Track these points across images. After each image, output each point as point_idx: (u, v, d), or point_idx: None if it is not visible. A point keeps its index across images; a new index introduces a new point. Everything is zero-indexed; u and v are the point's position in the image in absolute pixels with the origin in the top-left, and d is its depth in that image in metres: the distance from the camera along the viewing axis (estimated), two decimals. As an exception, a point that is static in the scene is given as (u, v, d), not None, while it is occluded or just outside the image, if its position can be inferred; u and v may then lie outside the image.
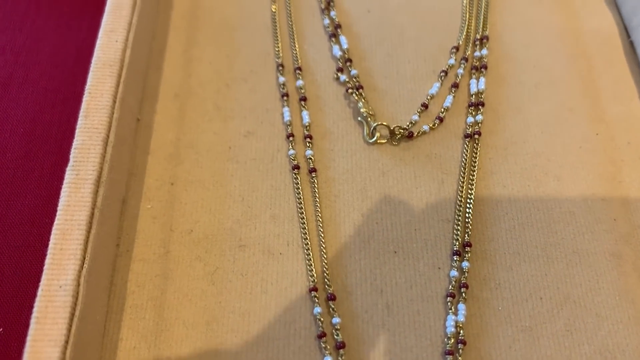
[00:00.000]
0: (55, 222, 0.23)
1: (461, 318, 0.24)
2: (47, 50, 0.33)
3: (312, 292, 0.24)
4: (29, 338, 0.21)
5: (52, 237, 0.23)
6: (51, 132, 0.30)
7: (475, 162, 0.28)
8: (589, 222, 0.27)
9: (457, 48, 0.31)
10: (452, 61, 0.31)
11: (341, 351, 0.23)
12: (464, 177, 0.27)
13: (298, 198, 0.27)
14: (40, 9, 0.34)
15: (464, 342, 0.23)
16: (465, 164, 0.28)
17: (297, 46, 0.32)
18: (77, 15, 0.34)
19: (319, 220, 0.26)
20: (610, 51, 0.33)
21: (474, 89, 0.30)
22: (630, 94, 0.32)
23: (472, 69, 0.31)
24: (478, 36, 0.32)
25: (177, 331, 0.24)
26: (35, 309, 0.22)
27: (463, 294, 0.24)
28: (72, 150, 0.25)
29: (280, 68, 0.31)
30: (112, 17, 0.29)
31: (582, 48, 0.33)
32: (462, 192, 0.27)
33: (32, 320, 0.21)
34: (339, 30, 0.32)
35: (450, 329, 0.24)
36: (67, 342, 0.21)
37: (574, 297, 0.25)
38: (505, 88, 0.31)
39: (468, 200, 0.27)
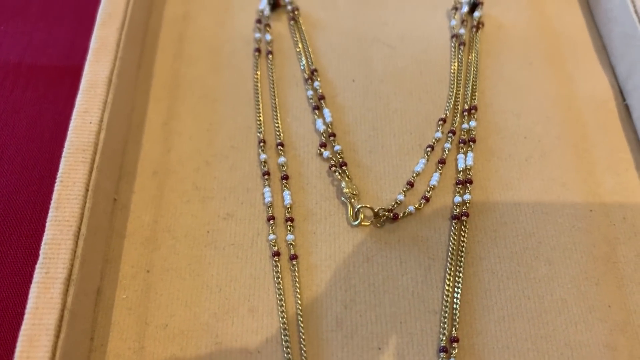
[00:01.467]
0: (22, 326, 0.22)
1: None
2: (24, 123, 0.32)
3: (291, 395, 0.23)
4: None
5: (19, 344, 0.22)
6: (26, 213, 0.29)
7: (463, 246, 0.27)
8: (582, 311, 0.26)
9: (444, 120, 0.30)
10: (439, 134, 0.30)
11: None
12: (451, 263, 0.26)
13: (278, 288, 0.26)
14: (18, 80, 0.33)
15: None
16: (453, 248, 0.27)
17: (279, 119, 0.31)
18: (54, 86, 0.33)
19: (299, 313, 0.25)
20: (605, 116, 0.32)
21: (461, 165, 0.29)
22: (626, 163, 0.31)
23: (460, 143, 0.30)
24: (466, 106, 0.31)
25: None
26: None
27: (449, 397, 0.23)
28: (42, 246, 0.24)
29: (262, 144, 0.30)
30: (86, 96, 0.28)
31: (576, 114, 0.32)
32: (449, 279, 0.26)
33: None
34: (322, 102, 0.31)
35: None
36: None
37: (568, 396, 0.24)
38: (494, 162, 0.30)
39: (456, 290, 0.26)
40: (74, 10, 0.36)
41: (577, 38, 0.35)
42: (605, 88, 0.33)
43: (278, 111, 0.31)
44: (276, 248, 0.27)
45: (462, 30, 0.34)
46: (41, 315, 0.23)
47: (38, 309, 0.23)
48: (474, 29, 0.34)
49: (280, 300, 0.26)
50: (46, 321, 0.23)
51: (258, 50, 0.33)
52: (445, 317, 0.25)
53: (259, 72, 0.32)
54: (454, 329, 0.25)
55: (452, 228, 0.27)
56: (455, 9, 0.35)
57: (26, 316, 0.23)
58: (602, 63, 0.34)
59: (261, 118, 0.31)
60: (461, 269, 0.26)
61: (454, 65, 0.32)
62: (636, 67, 0.32)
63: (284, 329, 0.25)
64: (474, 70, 0.32)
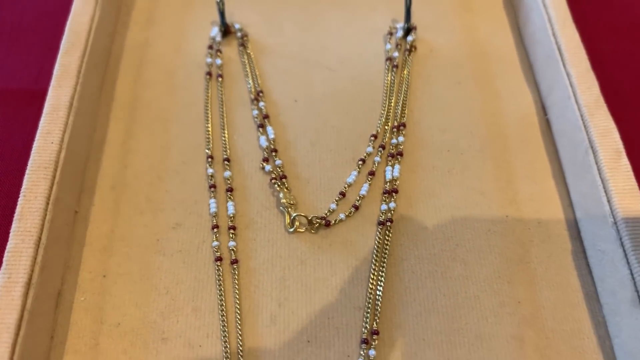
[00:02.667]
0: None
1: (365, 406, 0.26)
2: (-6, 143, 0.35)
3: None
4: None
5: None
6: (6, 212, 0.32)
7: (387, 248, 0.30)
8: (493, 306, 0.29)
9: (375, 136, 0.34)
10: (370, 149, 0.33)
11: None
12: (375, 264, 0.29)
13: (219, 290, 0.29)
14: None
15: None
16: (377, 251, 0.30)
17: (227, 137, 0.34)
18: (22, 109, 0.36)
19: (237, 312, 0.28)
20: (527, 130, 0.36)
21: (389, 177, 0.32)
22: (544, 173, 0.34)
23: (388, 156, 0.33)
24: (396, 123, 0.34)
25: None
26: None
27: (368, 384, 0.26)
28: (5, 254, 0.27)
29: (210, 159, 0.33)
30: (49, 119, 0.31)
31: (499, 128, 0.35)
32: (373, 279, 0.29)
33: None
34: (266, 120, 0.34)
35: (354, 419, 0.25)
36: None
37: (474, 380, 0.27)
38: (419, 174, 0.33)
39: (378, 288, 0.29)
40: (42, 39, 0.39)
41: (505, 58, 0.39)
42: (528, 104, 0.37)
43: (226, 129, 0.34)
44: (219, 254, 0.30)
45: (395, 54, 0.37)
46: (3, 315, 0.26)
47: (0, 309, 0.26)
48: (407, 52, 0.37)
49: (221, 300, 0.28)
50: (7, 321, 0.25)
51: (209, 73, 0.36)
52: (367, 313, 0.28)
53: (209, 94, 0.36)
54: (375, 322, 0.28)
55: (378, 233, 0.31)
56: (390, 33, 0.38)
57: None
58: (528, 81, 0.38)
59: (210, 136, 0.34)
60: (384, 269, 0.29)
61: (387, 86, 0.36)
62: (555, 85, 0.35)
63: (223, 326, 0.28)
64: (404, 90, 0.36)
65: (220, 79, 0.36)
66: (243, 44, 0.38)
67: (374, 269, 0.29)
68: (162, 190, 0.32)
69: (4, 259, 0.27)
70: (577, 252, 0.31)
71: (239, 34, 0.38)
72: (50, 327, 0.28)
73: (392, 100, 0.35)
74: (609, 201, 0.30)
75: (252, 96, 0.35)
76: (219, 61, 0.37)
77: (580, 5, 0.41)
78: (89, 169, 0.33)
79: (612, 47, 0.41)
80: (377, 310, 0.28)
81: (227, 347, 0.27)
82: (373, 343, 0.27)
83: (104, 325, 0.28)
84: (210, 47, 0.37)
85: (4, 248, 0.27)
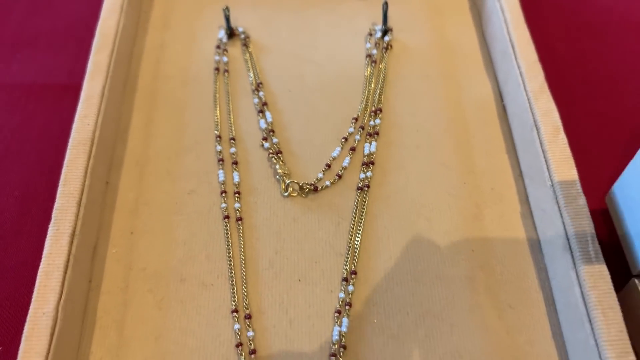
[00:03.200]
0: (41, 265, 0.32)
1: (344, 329, 0.32)
2: (37, 129, 0.42)
3: (234, 313, 0.32)
4: (19, 353, 0.29)
5: (38, 277, 0.31)
6: (40, 194, 0.39)
7: (364, 209, 0.36)
8: (451, 253, 0.35)
9: (356, 119, 0.40)
10: (351, 129, 0.40)
11: (253, 356, 0.31)
12: (354, 221, 0.36)
13: (227, 241, 0.35)
14: (30, 97, 0.43)
15: (344, 347, 0.31)
16: (356, 211, 0.36)
17: (232, 120, 0.40)
18: (60, 100, 0.43)
19: (242, 258, 0.35)
20: (486, 114, 0.42)
21: (367, 151, 0.39)
22: (499, 149, 0.40)
23: (367, 135, 0.40)
24: (374, 108, 0.41)
25: (133, 345, 0.32)
26: (25, 331, 0.30)
27: (347, 311, 0.33)
28: (54, 211, 0.33)
29: (218, 138, 0.39)
30: (85, 105, 0.38)
31: (462, 113, 0.42)
32: (352, 232, 0.35)
33: (22, 339, 0.29)
34: (265, 107, 0.41)
35: (335, 337, 0.32)
36: (47, 354, 0.29)
37: (434, 311, 0.33)
38: (392, 149, 0.39)
39: (356, 239, 0.35)
40: (74, 42, 0.46)
41: (469, 55, 0.45)
42: (488, 92, 0.43)
43: (231, 114, 0.41)
44: (226, 213, 0.36)
45: (374, 51, 0.44)
46: (54, 258, 0.32)
47: (51, 254, 0.32)
48: (384, 50, 0.44)
49: (229, 249, 0.35)
50: (57, 262, 0.32)
51: (217, 69, 0.43)
52: (347, 258, 0.34)
53: (217, 86, 0.42)
54: (353, 265, 0.34)
55: (357, 196, 0.37)
56: (370, 34, 0.45)
57: (43, 259, 0.32)
58: (488, 73, 0.44)
59: (218, 119, 0.40)
60: (361, 224, 0.36)
61: (366, 78, 0.42)
62: (509, 76, 0.42)
63: (231, 269, 0.34)
64: (381, 81, 0.42)
65: (226, 74, 0.43)
66: (245, 44, 0.44)
67: (353, 225, 0.36)
68: (179, 164, 0.38)
69: (53, 215, 0.33)
70: (525, 213, 0.37)
71: (242, 36, 0.45)
72: (88, 273, 0.34)
73: (371, 90, 0.42)
74: (548, 169, 0.36)
75: (253, 87, 0.42)
76: (225, 59, 0.44)
77: (535, 8, 0.48)
78: (117, 147, 0.39)
79: (562, 45, 0.47)
80: (355, 256, 0.35)
81: (233, 285, 0.34)
82: (352, 281, 0.34)
83: (132, 271, 0.35)
84: (218, 46, 0.44)
85: (52, 208, 0.34)
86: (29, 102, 0.43)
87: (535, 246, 0.36)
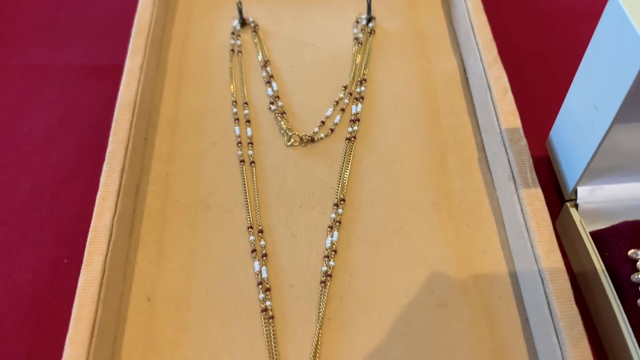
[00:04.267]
0: (98, 192, 0.41)
1: (335, 239, 0.41)
2: (86, 102, 0.51)
3: (249, 229, 0.42)
4: (85, 252, 0.38)
5: (97, 200, 0.40)
6: (91, 152, 0.48)
7: (351, 155, 0.46)
8: (419, 186, 0.44)
9: (345, 87, 0.50)
10: (341, 95, 0.49)
11: (264, 259, 0.40)
12: (343, 164, 0.45)
13: (243, 179, 0.44)
14: (80, 75, 0.53)
15: (335, 251, 0.41)
16: (344, 156, 0.46)
17: (245, 89, 0.50)
18: (104, 78, 0.52)
19: (255, 191, 0.44)
20: (452, 85, 0.51)
21: (354, 111, 0.48)
22: (461, 110, 0.50)
23: (354, 99, 0.49)
24: (359, 79, 0.50)
25: (170, 256, 0.41)
26: (88, 238, 0.39)
27: (337, 227, 0.42)
28: (107, 154, 0.43)
29: (234, 103, 0.49)
30: (128, 76, 0.47)
31: (431, 83, 0.51)
32: (341, 171, 0.45)
33: (87, 243, 0.38)
34: (271, 79, 0.50)
35: (328, 245, 0.41)
36: (106, 255, 0.38)
37: (405, 227, 0.42)
38: (374, 110, 0.49)
39: (345, 176, 0.44)
40: (115, 30, 0.56)
41: (439, 38, 0.55)
42: (453, 66, 0.53)
43: (244, 85, 0.50)
44: (242, 159, 0.46)
45: (360, 35, 0.53)
46: (108, 187, 0.41)
47: (106, 184, 0.41)
48: (369, 34, 0.54)
49: (244, 184, 0.44)
50: (112, 190, 0.41)
51: (232, 50, 0.53)
52: (337, 189, 0.44)
53: (232, 64, 0.52)
54: (342, 194, 0.43)
55: (345, 145, 0.46)
56: (357, 22, 0.55)
57: (100, 188, 0.41)
58: (454, 51, 0.54)
59: (234, 89, 0.50)
60: (348, 166, 0.45)
61: (354, 56, 0.52)
62: (470, 52, 0.51)
63: (246, 198, 0.43)
64: (366, 59, 0.52)
65: (239, 54, 0.53)
66: (255, 31, 0.54)
67: (342, 166, 0.45)
68: (203, 123, 0.48)
69: (106, 156, 0.42)
70: (481, 158, 0.47)
71: (252, 25, 0.55)
72: (133, 203, 0.43)
73: (357, 64, 0.51)
74: (497, 120, 0.45)
75: (262, 64, 0.52)
76: (239, 42, 0.53)
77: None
78: (153, 112, 0.49)
79: (514, 27, 0.57)
80: (344, 188, 0.44)
81: (248, 210, 0.43)
82: (341, 205, 0.43)
83: (168, 202, 0.44)
84: (233, 33, 0.54)
85: (101, 162, 0.43)
86: (79, 80, 0.53)
87: (489, 181, 0.45)
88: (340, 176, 0.45)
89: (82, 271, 0.37)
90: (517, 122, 0.45)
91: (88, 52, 0.55)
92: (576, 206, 0.42)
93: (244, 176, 0.45)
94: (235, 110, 0.49)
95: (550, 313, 0.36)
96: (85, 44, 0.55)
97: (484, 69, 0.48)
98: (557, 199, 0.45)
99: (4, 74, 0.53)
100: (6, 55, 0.54)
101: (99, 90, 0.52)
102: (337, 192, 0.44)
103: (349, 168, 0.45)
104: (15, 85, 0.52)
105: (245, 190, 0.44)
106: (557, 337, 0.35)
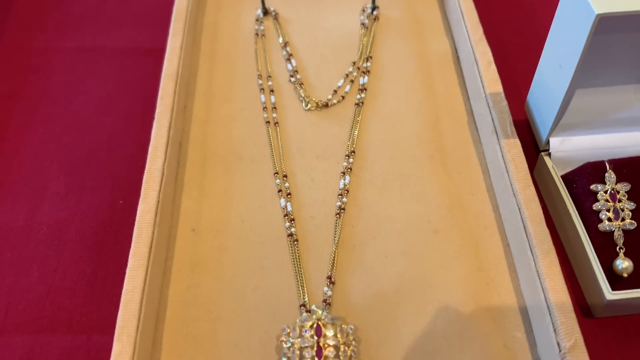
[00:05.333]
0: (150, 143, 0.49)
1: (347, 181, 0.49)
2: (131, 79, 0.60)
3: (275, 174, 0.50)
4: (142, 191, 0.46)
5: (150, 149, 0.48)
6: (137, 118, 0.56)
7: (359, 117, 0.54)
8: (417, 142, 0.53)
9: (354, 62, 0.58)
10: (351, 69, 0.58)
11: (289, 197, 0.49)
12: (353, 124, 0.54)
13: (269, 136, 0.53)
14: (125, 56, 0.62)
15: (347, 191, 0.49)
16: (354, 117, 0.54)
17: (268, 66, 0.59)
18: (146, 59, 0.61)
19: (279, 145, 0.52)
20: (444, 62, 0.60)
21: (361, 82, 0.57)
22: (453, 83, 0.58)
23: (361, 72, 0.58)
24: (366, 56, 0.59)
25: (210, 197, 0.49)
26: (144, 179, 0.47)
27: (349, 172, 0.50)
28: (156, 115, 0.51)
29: (259, 76, 0.58)
30: (170, 53, 0.56)
31: (427, 61, 0.60)
32: (351, 130, 0.53)
33: (143, 184, 0.47)
34: (291, 57, 0.59)
35: (341, 186, 0.49)
36: (158, 194, 0.46)
37: (405, 173, 0.50)
38: (378, 82, 0.57)
39: (354, 133, 0.53)
40: (155, 17, 0.65)
41: (433, 23, 0.63)
42: (446, 47, 0.61)
43: (267, 62, 0.59)
44: (267, 120, 0.54)
45: (366, 21, 0.62)
46: (159, 138, 0.49)
47: (157, 137, 0.50)
48: (374, 20, 0.62)
49: (270, 140, 0.53)
50: (161, 142, 0.49)
51: (257, 34, 0.61)
52: (348, 144, 0.52)
53: (257, 45, 0.61)
54: (352, 148, 0.52)
55: (354, 110, 0.55)
56: (364, 10, 0.64)
57: (152, 140, 0.49)
58: (447, 35, 0.62)
59: (259, 65, 0.59)
60: (357, 126, 0.53)
61: (361, 39, 0.61)
62: (460, 35, 0.60)
63: (272, 151, 0.52)
64: (371, 41, 0.60)
65: (263, 37, 0.61)
66: (276, 18, 0.63)
67: (352, 126, 0.53)
68: (233, 93, 0.56)
69: (155, 117, 0.51)
70: (469, 120, 0.55)
71: (273, 13, 0.63)
72: (177, 156, 0.52)
73: (364, 44, 0.60)
74: (482, 87, 0.53)
75: (282, 45, 0.61)
76: (262, 27, 0.62)
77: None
78: (190, 84, 0.57)
79: (499, 12, 0.66)
80: (354, 143, 0.52)
81: (274, 160, 0.51)
82: (351, 156, 0.51)
83: (206, 156, 0.52)
84: (257, 20, 0.63)
85: (148, 126, 0.51)
86: (125, 60, 0.62)
87: (476, 138, 0.53)
88: (351, 134, 0.53)
89: (140, 202, 0.45)
90: (499, 88, 0.53)
91: (132, 36, 0.63)
92: (549, 155, 0.50)
93: (269, 134, 0.53)
94: (260, 82, 0.57)
95: (526, 233, 0.44)
96: (130, 29, 0.64)
97: (471, 46, 0.56)
98: (535, 154, 0.53)
99: (62, 55, 0.62)
100: (63, 40, 0.63)
101: (142, 68, 0.61)
102: (348, 146, 0.52)
103: (357, 127, 0.53)
104: (72, 65, 0.61)
105: (271, 145, 0.52)
106: (531, 251, 0.43)
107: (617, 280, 0.43)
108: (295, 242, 0.46)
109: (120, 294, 0.40)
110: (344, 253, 0.46)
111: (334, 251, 0.45)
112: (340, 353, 0.38)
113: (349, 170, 0.50)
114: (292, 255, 0.45)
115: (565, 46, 0.44)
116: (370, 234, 0.47)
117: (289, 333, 0.40)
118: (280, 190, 0.49)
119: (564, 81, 0.45)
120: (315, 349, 0.38)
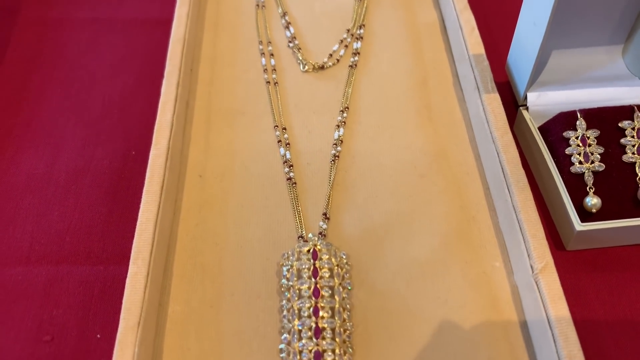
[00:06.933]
0: (160, 99, 0.53)
1: (341, 133, 0.54)
2: (141, 47, 0.64)
3: (275, 127, 0.54)
4: (153, 139, 0.51)
5: (160, 104, 0.53)
6: (147, 83, 0.61)
7: (352, 78, 0.59)
8: (406, 100, 0.57)
9: (348, 30, 0.63)
10: (345, 35, 0.62)
11: (288, 146, 0.53)
12: (347, 84, 0.58)
13: (269, 95, 0.57)
14: (135, 26, 0.66)
15: (341, 141, 0.53)
16: (347, 80, 0.58)
17: (268, 33, 0.63)
18: (154, 29, 0.66)
19: (279, 103, 0.57)
20: (432, 30, 0.64)
21: (355, 47, 0.61)
22: (440, 49, 0.62)
23: (355, 38, 0.62)
24: (359, 24, 0.63)
25: (215, 148, 0.53)
26: (155, 129, 0.51)
27: (343, 125, 0.54)
28: (165, 74, 0.55)
29: (260, 42, 0.62)
30: (177, 21, 0.60)
31: (416, 29, 0.64)
32: (345, 89, 0.58)
33: (154, 134, 0.51)
34: (289, 24, 0.64)
35: (336, 137, 0.53)
36: (168, 142, 0.51)
37: (395, 126, 0.55)
38: (370, 46, 0.62)
39: (348, 92, 0.57)
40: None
41: (423, -2, 0.68)
42: (434, 18, 0.66)
43: (267, 29, 0.63)
44: (268, 81, 0.58)
45: (360, -7, 0.67)
46: (168, 95, 0.54)
47: (166, 93, 0.54)
48: (366, -7, 0.67)
49: (270, 99, 0.57)
50: (170, 97, 0.54)
51: (257, 5, 0.66)
52: (342, 101, 0.56)
53: (257, 16, 0.65)
54: (346, 104, 0.56)
55: (348, 71, 0.59)
56: (357, -17, 0.68)
57: (161, 99, 0.54)
58: (435, 7, 0.67)
59: (259, 33, 0.63)
60: (351, 85, 0.58)
61: (355, 9, 0.65)
62: (447, 5, 0.64)
63: (272, 108, 0.56)
64: (364, 10, 0.65)
65: (263, 7, 0.66)
66: (275, -9, 0.68)
67: (345, 86, 0.58)
68: (237, 57, 0.61)
69: (165, 75, 0.55)
70: (455, 82, 0.59)
71: (272, -14, 0.68)
72: (184, 112, 0.56)
73: (358, 13, 0.65)
74: (466, 49, 0.58)
75: (281, 15, 0.65)
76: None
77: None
78: (195, 49, 0.62)
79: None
80: (348, 100, 0.57)
81: (274, 115, 0.55)
82: (345, 112, 0.56)
83: (211, 112, 0.56)
84: (257, -8, 0.68)
85: (158, 84, 0.56)
86: (135, 29, 0.66)
87: (460, 97, 0.58)
88: (345, 92, 0.57)
89: (151, 149, 0.49)
90: (481, 50, 0.57)
91: (142, 7, 0.68)
92: (527, 109, 0.55)
93: (269, 93, 0.58)
94: (261, 47, 0.62)
95: (503, 173, 0.48)
96: (140, 0, 0.69)
97: (456, 15, 0.61)
98: (515, 112, 0.58)
99: (76, 25, 0.66)
100: (76, 10, 0.67)
101: (151, 37, 0.65)
102: (342, 103, 0.56)
103: (351, 87, 0.58)
104: (84, 34, 0.65)
105: (271, 102, 0.57)
106: (508, 189, 0.47)
107: (587, 217, 0.47)
108: (294, 185, 0.50)
109: (134, 231, 0.44)
110: (338, 194, 0.50)
111: (329, 192, 0.50)
112: (334, 274, 0.43)
113: (343, 123, 0.55)
114: (291, 196, 0.50)
115: (539, 4, 0.49)
116: (362, 178, 0.51)
117: (288, 257, 0.44)
118: (279, 141, 0.53)
119: (538, 37, 0.50)
120: (311, 269, 0.42)
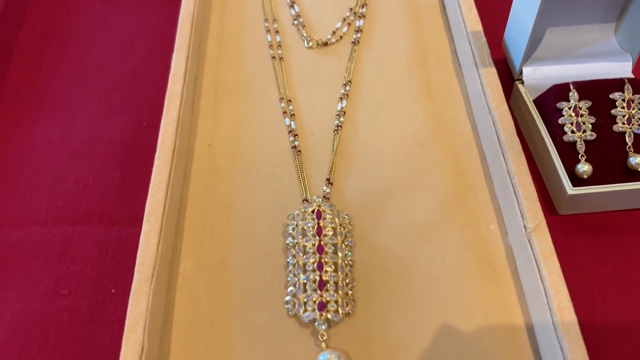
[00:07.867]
0: (171, 72, 0.56)
1: (344, 105, 0.56)
2: (151, 22, 0.66)
3: (280, 99, 0.57)
4: (164, 110, 0.53)
5: (170, 77, 0.55)
6: (157, 60, 0.63)
7: (355, 54, 0.61)
8: (406, 74, 0.59)
9: (351, 9, 0.65)
10: (348, 14, 0.65)
11: (293, 117, 0.55)
12: (349, 59, 0.60)
13: (274, 69, 0.60)
14: (146, 1, 0.68)
15: (344, 112, 0.55)
16: (350, 55, 0.61)
17: (273, 11, 0.65)
18: (164, 5, 0.68)
19: (284, 77, 0.59)
20: (432, 9, 0.67)
21: (357, 25, 0.63)
22: (439, 27, 0.65)
23: (358, 17, 0.64)
24: (362, 3, 0.66)
25: (224, 121, 0.56)
26: (166, 99, 0.54)
27: (345, 98, 0.57)
28: (175, 48, 0.58)
29: (266, 20, 0.64)
30: (184, 11, 0.63)
31: (416, 9, 0.66)
32: (348, 64, 0.60)
33: (165, 104, 0.53)
34: (294, 4, 0.66)
35: (339, 108, 0.56)
36: (179, 112, 0.53)
37: (395, 99, 0.57)
38: (372, 25, 0.64)
39: (350, 67, 0.59)
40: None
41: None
42: (434, 1, 0.68)
43: (272, 8, 0.66)
44: (274, 56, 0.61)
45: (362, -26, 0.69)
46: (178, 69, 0.56)
47: (176, 66, 0.56)
48: (369, -26, 0.69)
49: (275, 73, 0.59)
50: (180, 70, 0.56)
51: (263, -14, 0.68)
52: (345, 75, 0.59)
53: (264, 1, 0.68)
54: (349, 78, 0.58)
55: (351, 47, 0.61)
56: (360, -35, 0.70)
57: (171, 72, 0.56)
58: (435, -10, 0.69)
59: (267, 19, 0.65)
60: (354, 61, 0.60)
61: (357, -12, 0.68)
62: (447, -12, 0.67)
63: (277, 81, 0.58)
64: (366, -10, 0.67)
65: (269, -12, 0.68)
66: (280, -28, 0.70)
67: (348, 61, 0.60)
68: (244, 34, 0.63)
69: (175, 49, 0.58)
70: (454, 59, 0.62)
71: (278, -32, 0.70)
72: (193, 86, 0.58)
73: (360, -6, 0.67)
74: (465, 27, 0.60)
75: (288, 2, 0.68)
76: (267, -20, 0.69)
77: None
78: (204, 27, 0.64)
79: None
80: (351, 74, 0.59)
81: (279, 89, 0.58)
82: (348, 85, 0.58)
83: (219, 86, 0.59)
84: (263, -27, 0.70)
85: (167, 59, 0.58)
86: (144, 7, 0.68)
87: (459, 73, 0.60)
88: (347, 67, 0.60)
89: (162, 118, 0.52)
90: (479, 27, 0.60)
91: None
92: (522, 83, 0.57)
93: (275, 68, 0.60)
94: (266, 24, 0.64)
95: (499, 141, 0.50)
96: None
97: (458, 3, 0.63)
98: (511, 87, 0.60)
99: (86, 2, 0.68)
100: (88, -10, 0.70)
101: (159, 14, 0.67)
102: (345, 77, 0.59)
103: (354, 62, 0.60)
104: (94, 12, 0.68)
105: (277, 76, 0.59)
106: (503, 156, 0.49)
107: (578, 183, 0.50)
108: (299, 153, 0.52)
109: (146, 197, 0.47)
110: (341, 161, 0.52)
111: (332, 159, 0.52)
112: (337, 232, 0.45)
113: (345, 96, 0.57)
114: (296, 163, 0.52)
115: (534, -20, 0.51)
116: (363, 147, 0.53)
117: (293, 217, 0.46)
118: (284, 112, 0.56)
119: (532, 12, 0.52)
120: (316, 228, 0.45)
